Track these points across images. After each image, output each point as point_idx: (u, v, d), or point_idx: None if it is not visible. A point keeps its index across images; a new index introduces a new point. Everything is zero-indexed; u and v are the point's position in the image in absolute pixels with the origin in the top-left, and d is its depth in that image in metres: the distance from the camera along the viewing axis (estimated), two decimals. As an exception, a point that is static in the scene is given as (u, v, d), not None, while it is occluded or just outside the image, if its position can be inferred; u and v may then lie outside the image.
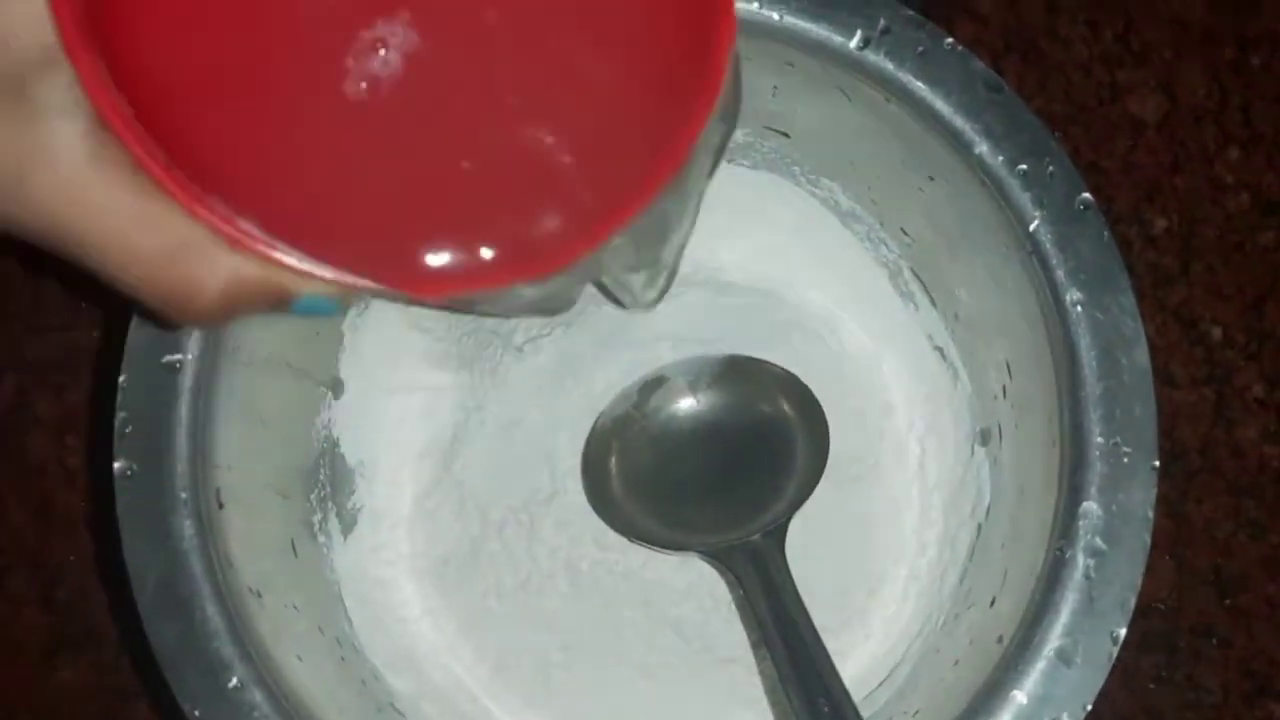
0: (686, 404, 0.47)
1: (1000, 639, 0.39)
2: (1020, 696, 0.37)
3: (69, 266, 0.27)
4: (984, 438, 0.46)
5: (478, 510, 0.48)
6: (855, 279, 0.50)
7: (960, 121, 0.40)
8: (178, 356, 0.39)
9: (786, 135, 0.47)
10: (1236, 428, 0.52)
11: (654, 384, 0.48)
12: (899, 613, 0.47)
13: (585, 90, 0.29)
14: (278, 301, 0.28)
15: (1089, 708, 0.37)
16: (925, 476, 0.48)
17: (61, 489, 0.52)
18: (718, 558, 0.44)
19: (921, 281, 0.48)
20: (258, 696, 0.37)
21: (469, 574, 0.48)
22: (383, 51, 0.28)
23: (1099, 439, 0.38)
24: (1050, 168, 0.40)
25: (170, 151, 0.26)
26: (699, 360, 0.48)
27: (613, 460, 0.47)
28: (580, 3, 0.29)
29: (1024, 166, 0.40)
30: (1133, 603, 0.37)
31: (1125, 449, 0.38)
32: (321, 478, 0.47)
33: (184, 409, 0.38)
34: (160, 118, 0.26)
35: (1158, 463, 0.38)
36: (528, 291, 0.29)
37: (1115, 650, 0.37)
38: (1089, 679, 0.37)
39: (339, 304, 0.29)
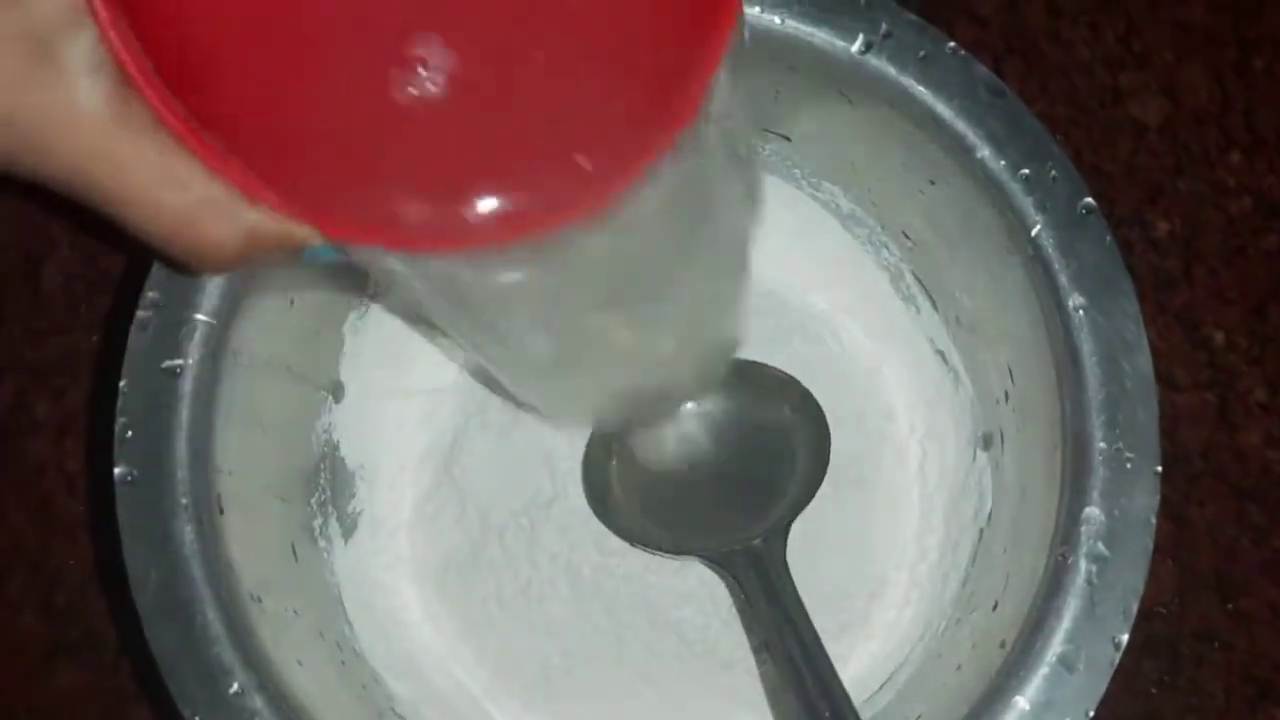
0: (687, 408, 0.47)
1: (1002, 644, 0.38)
2: (1022, 702, 0.37)
3: (88, 214, 0.28)
4: (986, 442, 0.46)
5: (478, 514, 0.48)
6: (856, 282, 0.50)
7: (962, 126, 0.40)
8: (178, 361, 0.38)
9: (788, 139, 0.47)
10: (1239, 432, 0.52)
11: (662, 393, 0.48)
12: (900, 616, 0.47)
13: (606, 39, 0.29)
14: (292, 250, 0.29)
15: (1091, 714, 0.37)
16: (926, 480, 0.48)
17: (61, 492, 0.51)
18: (718, 562, 0.44)
19: (923, 285, 0.48)
20: (258, 702, 0.37)
21: (470, 578, 0.48)
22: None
23: (1101, 444, 0.38)
24: (1053, 172, 0.40)
25: (192, 110, 0.26)
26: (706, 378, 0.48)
27: (613, 464, 0.47)
28: None
29: (1026, 171, 0.40)
30: (1135, 609, 0.37)
31: (1128, 454, 0.38)
32: (322, 482, 0.47)
33: (184, 414, 0.38)
34: (182, 78, 0.26)
35: (1160, 468, 0.38)
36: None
37: (1118, 656, 0.37)
38: (1091, 685, 0.37)
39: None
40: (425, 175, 0.29)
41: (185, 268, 0.29)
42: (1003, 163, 0.40)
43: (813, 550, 0.46)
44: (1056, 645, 0.37)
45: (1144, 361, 0.39)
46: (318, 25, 0.28)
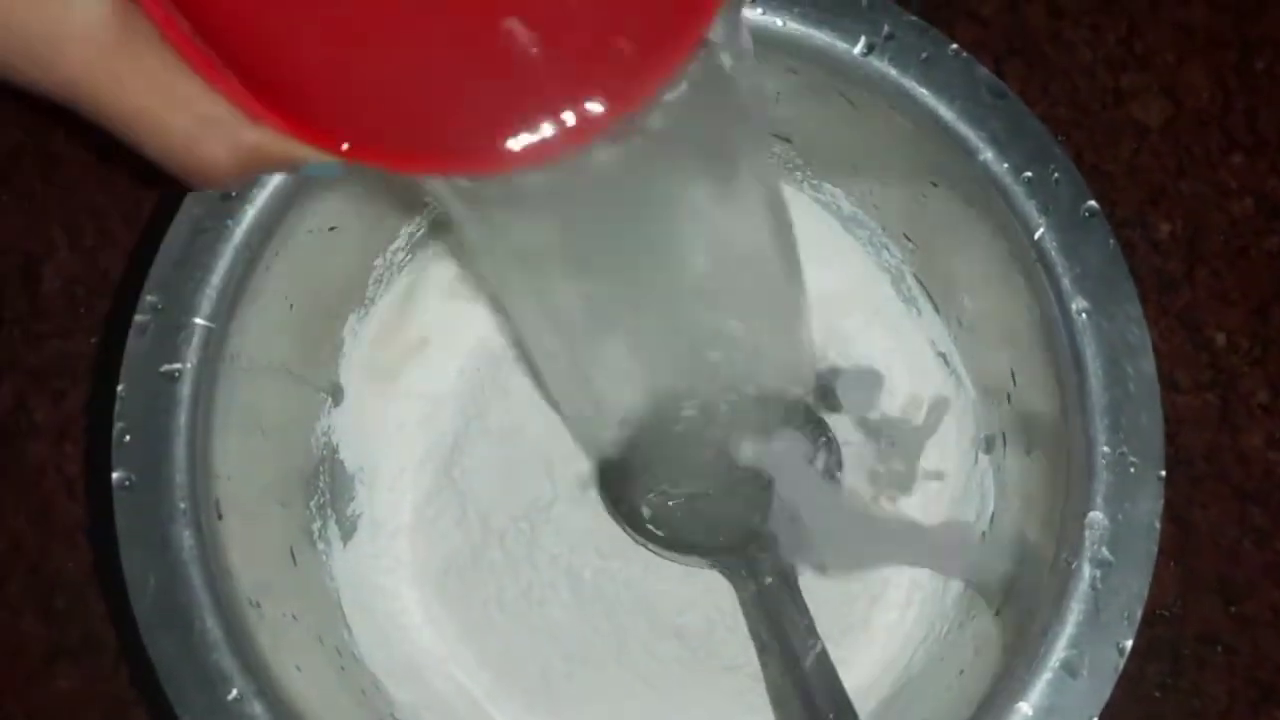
0: (701, 420, 0.47)
1: (1005, 649, 0.38)
2: (1025, 708, 0.37)
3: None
4: (988, 445, 0.46)
5: (478, 518, 0.48)
6: (858, 284, 0.49)
7: (964, 128, 0.40)
8: (176, 366, 0.38)
9: (789, 140, 0.47)
10: (1241, 434, 0.52)
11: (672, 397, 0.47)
12: (902, 618, 0.47)
13: None
14: (291, 167, 0.29)
15: None
16: (928, 483, 0.48)
17: (60, 496, 0.51)
18: (724, 565, 0.44)
19: (925, 287, 0.48)
20: (257, 709, 0.36)
21: (470, 582, 0.48)
22: None
23: (1105, 448, 0.38)
24: (1055, 175, 0.40)
25: (195, 26, 0.26)
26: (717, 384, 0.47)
27: (633, 463, 0.47)
28: None
29: (1029, 174, 0.40)
30: (1139, 614, 0.37)
31: (1132, 459, 0.38)
32: (321, 485, 0.47)
33: (183, 418, 0.38)
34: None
35: (1164, 473, 0.38)
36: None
37: (1122, 662, 0.37)
38: (1095, 691, 0.37)
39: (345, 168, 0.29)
40: (446, 87, 0.28)
41: (185, 183, 0.29)
42: (1005, 165, 0.40)
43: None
44: (1060, 650, 0.37)
45: (1147, 365, 0.39)
46: None
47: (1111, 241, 0.39)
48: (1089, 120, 0.54)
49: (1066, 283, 0.39)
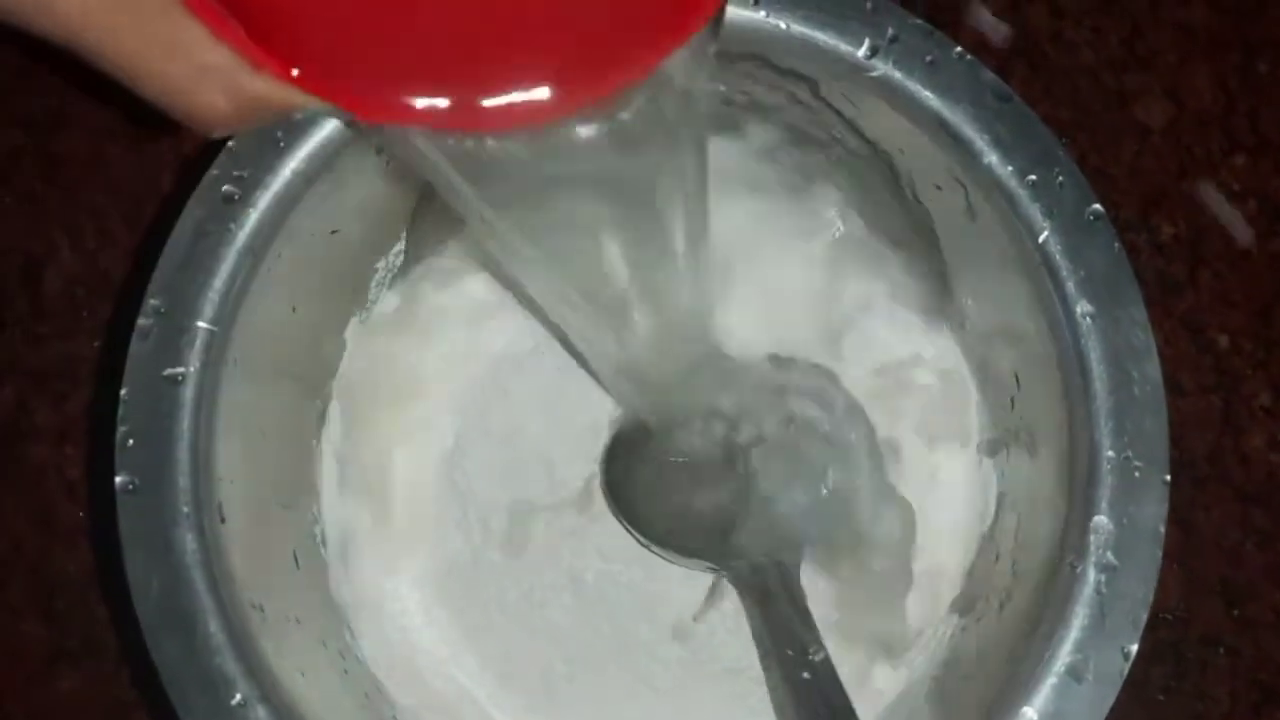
0: (709, 424, 0.47)
1: (1011, 654, 0.38)
2: (1030, 713, 0.37)
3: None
4: (991, 449, 0.46)
5: (479, 520, 0.48)
6: (860, 287, 0.49)
7: (969, 131, 0.40)
8: (179, 369, 0.38)
9: (793, 143, 0.46)
10: (1244, 436, 0.52)
11: (681, 401, 0.47)
12: (906, 624, 0.47)
13: None
14: (291, 114, 0.29)
15: (1099, 724, 0.37)
16: (931, 487, 0.48)
17: (61, 499, 0.51)
18: (727, 569, 0.44)
19: (927, 291, 0.48)
20: (261, 713, 0.36)
21: (471, 585, 0.48)
22: None
23: (1110, 452, 0.38)
24: (1060, 178, 0.40)
25: None
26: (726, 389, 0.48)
27: (633, 464, 0.47)
28: None
29: (1033, 177, 0.40)
30: (1144, 619, 0.37)
31: (1136, 463, 0.38)
32: (324, 486, 0.47)
33: (186, 422, 0.38)
34: None
35: (1169, 477, 0.38)
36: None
37: (1127, 667, 0.37)
38: (1100, 696, 0.37)
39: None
40: (453, 41, 0.28)
41: (184, 126, 0.29)
42: (1010, 168, 0.40)
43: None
44: (1065, 655, 0.37)
45: (1153, 369, 0.39)
46: None
47: (1116, 245, 0.39)
48: (1091, 122, 0.54)
49: (1071, 286, 0.39)
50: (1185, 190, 0.54)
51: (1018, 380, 0.44)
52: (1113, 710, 0.37)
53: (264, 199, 0.40)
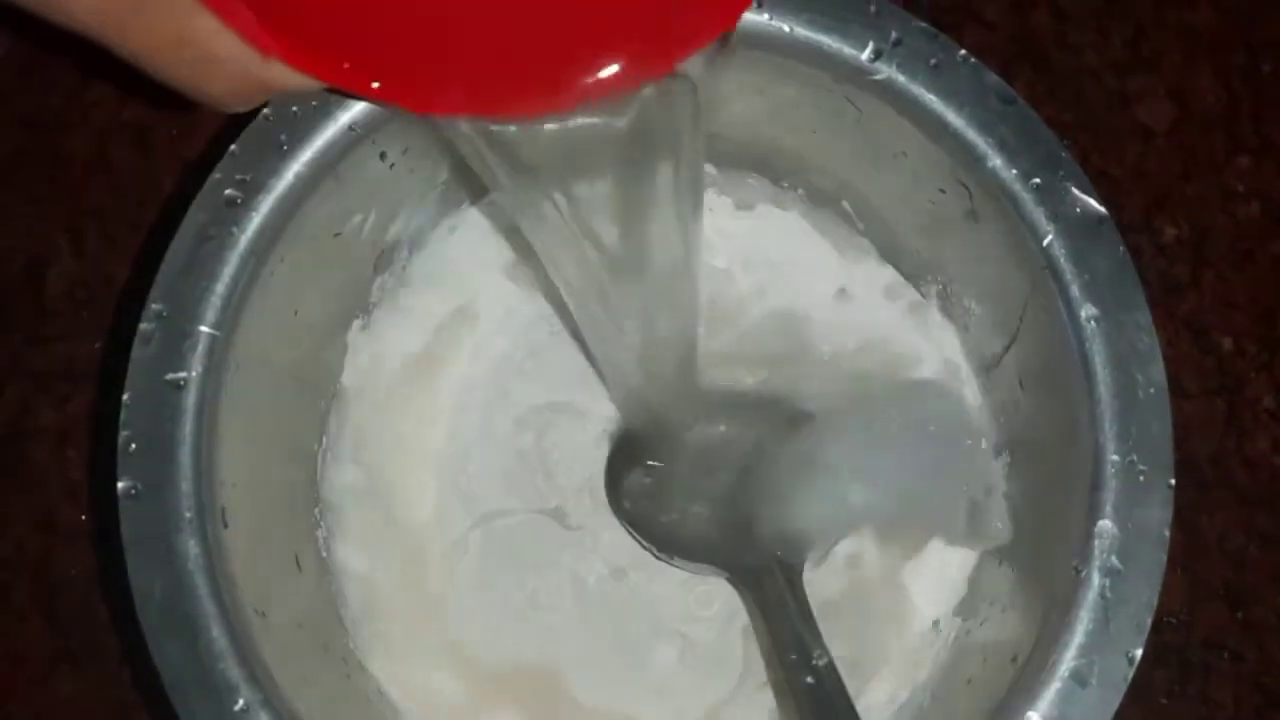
0: (714, 427, 0.47)
1: (1015, 659, 0.38)
2: (1035, 717, 0.37)
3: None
4: (995, 452, 0.46)
5: (482, 524, 0.48)
6: (864, 290, 0.49)
7: (973, 135, 0.40)
8: (182, 374, 0.38)
9: (796, 146, 0.46)
10: (1248, 439, 0.52)
11: (684, 404, 0.47)
12: (911, 627, 0.47)
13: None
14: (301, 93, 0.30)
15: (1104, 729, 0.37)
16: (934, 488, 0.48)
17: (64, 501, 0.51)
18: (731, 573, 0.44)
19: (932, 294, 0.48)
20: (263, 719, 0.36)
21: (473, 588, 0.48)
22: None
23: (1114, 456, 0.38)
24: (1065, 181, 0.39)
25: None
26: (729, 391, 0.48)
27: (637, 468, 0.47)
28: None
29: (1037, 180, 0.39)
30: (1149, 623, 0.37)
31: (1141, 467, 0.38)
32: (326, 492, 0.47)
33: (188, 426, 0.38)
34: None
35: (1174, 481, 0.38)
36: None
37: (1131, 672, 0.37)
38: (1105, 700, 0.37)
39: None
40: (477, 30, 0.28)
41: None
42: (1014, 172, 0.40)
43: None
44: (1069, 660, 0.37)
45: (1157, 372, 0.39)
46: None
47: (1121, 248, 0.39)
48: (1094, 124, 0.54)
49: (1075, 290, 0.39)
50: (1189, 192, 0.54)
51: (1021, 384, 0.44)
52: (1116, 714, 0.37)
53: (266, 202, 0.40)
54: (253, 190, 0.39)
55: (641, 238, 0.38)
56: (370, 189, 0.43)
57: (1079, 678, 0.37)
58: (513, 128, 0.31)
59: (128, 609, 0.37)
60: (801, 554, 0.44)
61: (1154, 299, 0.40)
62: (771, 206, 0.49)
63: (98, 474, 0.51)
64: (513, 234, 0.49)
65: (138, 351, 0.38)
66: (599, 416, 0.49)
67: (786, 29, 0.40)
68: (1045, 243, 0.39)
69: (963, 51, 0.40)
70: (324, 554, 0.46)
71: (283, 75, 0.28)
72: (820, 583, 0.45)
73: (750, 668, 0.47)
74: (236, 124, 0.39)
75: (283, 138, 0.40)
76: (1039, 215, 0.39)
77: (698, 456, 0.47)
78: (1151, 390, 0.39)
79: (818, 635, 0.41)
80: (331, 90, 0.29)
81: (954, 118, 0.40)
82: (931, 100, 0.40)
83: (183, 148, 0.54)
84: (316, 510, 0.46)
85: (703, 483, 0.47)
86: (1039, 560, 0.40)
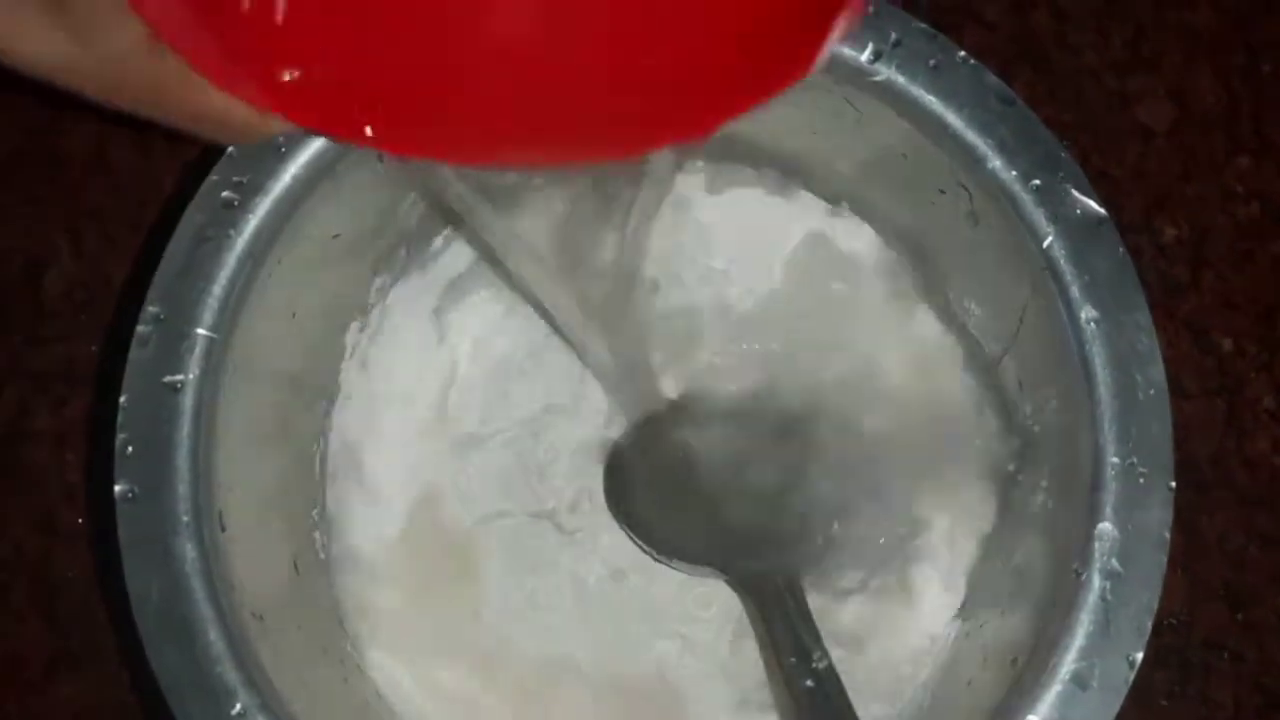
0: (714, 431, 0.47)
1: (1015, 661, 0.38)
2: (1035, 720, 0.37)
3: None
4: (995, 455, 0.46)
5: (481, 525, 0.48)
6: (863, 292, 0.49)
7: (973, 136, 0.40)
8: (179, 377, 0.38)
9: (794, 148, 0.46)
10: (1248, 439, 0.52)
11: (685, 408, 0.48)
12: (910, 631, 0.46)
13: None
14: None
15: (1105, 731, 0.37)
16: (935, 491, 0.48)
17: (62, 503, 0.51)
18: (731, 576, 0.44)
19: (931, 295, 0.48)
20: (261, 722, 0.36)
21: (473, 590, 0.47)
22: None
23: (1114, 458, 0.38)
24: (1064, 183, 0.39)
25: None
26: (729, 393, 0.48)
27: (636, 472, 0.47)
28: None
29: (1037, 181, 0.39)
30: (1149, 626, 0.37)
31: (1141, 469, 0.38)
32: (323, 494, 0.47)
33: (185, 429, 0.38)
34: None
35: (1174, 483, 0.38)
36: None
37: (1132, 674, 0.37)
38: (1105, 703, 0.37)
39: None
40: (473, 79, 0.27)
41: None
42: (1013, 173, 0.40)
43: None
44: (1070, 662, 0.37)
45: (1157, 374, 0.38)
46: None
47: (1121, 250, 0.39)
48: (1094, 124, 0.54)
49: (1075, 291, 0.39)
50: (1189, 192, 0.54)
51: (1021, 385, 0.43)
52: (1116, 716, 0.37)
53: (264, 204, 0.39)
54: (250, 192, 0.39)
55: (595, 255, 0.38)
56: (367, 191, 0.43)
57: (1079, 680, 0.37)
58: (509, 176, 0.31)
59: (127, 611, 0.37)
60: (802, 555, 0.44)
61: (1154, 300, 0.40)
62: (770, 208, 0.49)
63: (95, 476, 0.51)
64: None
65: (135, 354, 0.38)
66: (600, 418, 0.49)
67: (785, 30, 0.40)
68: (1045, 244, 0.39)
69: (962, 52, 0.40)
70: (322, 556, 0.46)
71: (290, 125, 0.29)
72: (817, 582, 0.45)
73: (750, 669, 0.47)
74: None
75: (280, 140, 0.40)
76: (1039, 216, 0.39)
77: (696, 459, 0.47)
78: (1151, 391, 0.39)
79: (817, 637, 0.41)
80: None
81: (954, 119, 0.40)
82: (931, 101, 0.40)
83: (182, 148, 0.54)
84: (314, 513, 0.46)
85: (701, 485, 0.47)
86: (1038, 563, 0.40)
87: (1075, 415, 0.39)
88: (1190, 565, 0.51)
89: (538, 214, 0.37)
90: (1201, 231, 0.53)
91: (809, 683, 0.40)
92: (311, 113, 0.27)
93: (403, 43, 0.27)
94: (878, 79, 0.40)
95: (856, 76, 0.40)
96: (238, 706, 0.36)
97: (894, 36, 0.40)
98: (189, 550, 0.37)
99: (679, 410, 0.47)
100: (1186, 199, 0.54)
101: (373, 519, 0.48)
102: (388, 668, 0.46)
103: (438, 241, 0.49)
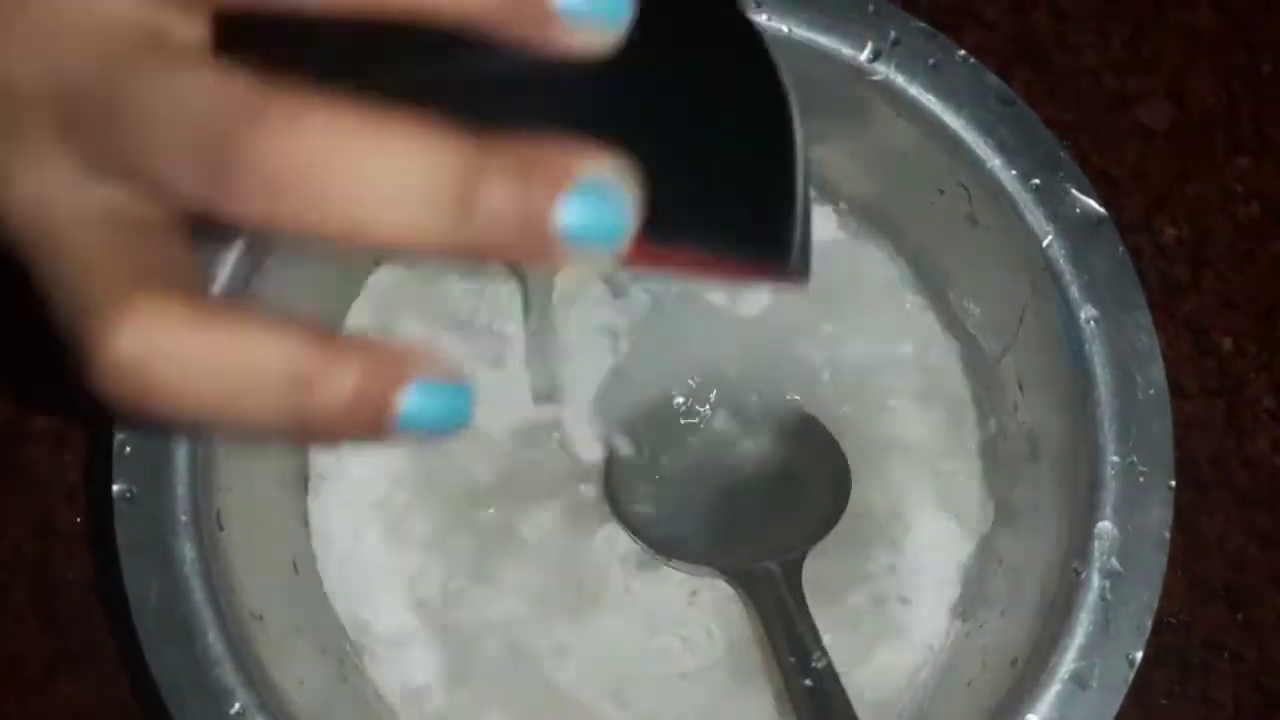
0: (710, 429, 0.47)
1: (1015, 661, 0.38)
2: (1035, 720, 0.37)
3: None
4: (994, 454, 0.46)
5: (479, 524, 0.48)
6: (861, 292, 0.49)
7: (972, 136, 0.40)
8: (178, 376, 0.38)
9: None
10: (1248, 439, 0.52)
11: (683, 406, 0.48)
12: (910, 631, 0.46)
13: None
14: None
15: (1104, 731, 0.37)
16: (935, 491, 0.48)
17: (61, 504, 0.51)
18: (731, 575, 0.44)
19: (930, 294, 0.48)
20: (260, 723, 0.36)
21: (471, 588, 0.47)
22: None
23: (1114, 457, 0.38)
24: (1064, 182, 0.39)
25: None
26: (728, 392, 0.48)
27: (635, 470, 0.47)
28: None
29: (1037, 181, 0.39)
30: (1149, 625, 0.37)
31: (1141, 468, 0.38)
32: (322, 493, 0.47)
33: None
34: None
35: (1174, 482, 0.38)
36: None
37: (1132, 674, 0.37)
38: (1105, 703, 0.37)
39: None
40: None
41: None
42: (1013, 172, 0.40)
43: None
44: (1069, 662, 0.37)
45: (1157, 373, 0.39)
46: None
47: (1120, 249, 0.39)
48: (1094, 124, 0.54)
49: (1075, 290, 0.39)
50: (1189, 192, 0.54)
51: (1021, 385, 0.43)
52: (1116, 716, 0.37)
53: (263, 204, 0.39)
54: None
55: None
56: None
57: (1079, 680, 0.37)
58: None
59: (126, 612, 0.37)
60: (800, 553, 0.44)
61: (1154, 299, 0.40)
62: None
63: (94, 477, 0.51)
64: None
65: (134, 353, 0.38)
66: (600, 417, 0.49)
67: (785, 29, 0.40)
68: (1045, 243, 0.39)
69: (962, 52, 0.40)
70: (321, 557, 0.46)
71: None
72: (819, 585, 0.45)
73: (749, 668, 0.46)
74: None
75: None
76: (1038, 216, 0.39)
77: (696, 458, 0.47)
78: (1151, 391, 0.39)
79: (817, 637, 0.41)
80: None
81: (953, 118, 0.40)
82: (930, 101, 0.40)
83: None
84: (313, 513, 0.46)
85: (701, 484, 0.47)
86: (1037, 562, 0.40)
87: (1075, 415, 0.39)
88: (1190, 565, 0.50)
89: None
90: (1201, 231, 0.53)
91: (808, 682, 0.40)
92: None
93: None
94: (876, 78, 0.40)
95: (855, 75, 0.40)
96: (236, 706, 0.36)
97: (893, 35, 0.40)
98: (188, 550, 0.37)
99: (678, 410, 0.47)
100: (1186, 199, 0.54)
101: (371, 519, 0.47)
102: (386, 668, 0.46)
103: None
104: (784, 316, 0.49)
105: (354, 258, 0.47)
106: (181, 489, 0.37)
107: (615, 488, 0.47)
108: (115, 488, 0.37)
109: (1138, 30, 0.55)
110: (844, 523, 0.46)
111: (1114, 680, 0.37)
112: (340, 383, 0.22)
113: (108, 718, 0.50)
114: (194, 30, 0.24)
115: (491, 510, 0.48)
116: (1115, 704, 0.37)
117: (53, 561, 0.51)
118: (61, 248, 0.24)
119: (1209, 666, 0.50)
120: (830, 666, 0.40)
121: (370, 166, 0.21)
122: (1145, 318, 0.39)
